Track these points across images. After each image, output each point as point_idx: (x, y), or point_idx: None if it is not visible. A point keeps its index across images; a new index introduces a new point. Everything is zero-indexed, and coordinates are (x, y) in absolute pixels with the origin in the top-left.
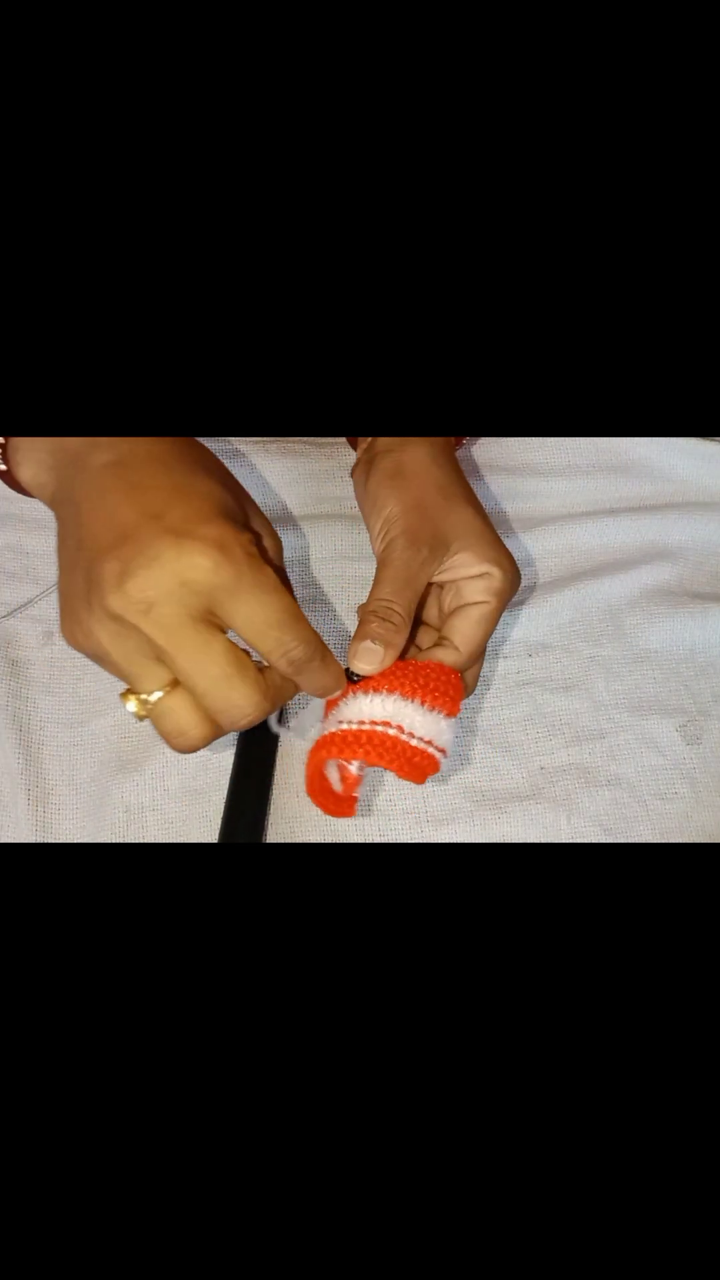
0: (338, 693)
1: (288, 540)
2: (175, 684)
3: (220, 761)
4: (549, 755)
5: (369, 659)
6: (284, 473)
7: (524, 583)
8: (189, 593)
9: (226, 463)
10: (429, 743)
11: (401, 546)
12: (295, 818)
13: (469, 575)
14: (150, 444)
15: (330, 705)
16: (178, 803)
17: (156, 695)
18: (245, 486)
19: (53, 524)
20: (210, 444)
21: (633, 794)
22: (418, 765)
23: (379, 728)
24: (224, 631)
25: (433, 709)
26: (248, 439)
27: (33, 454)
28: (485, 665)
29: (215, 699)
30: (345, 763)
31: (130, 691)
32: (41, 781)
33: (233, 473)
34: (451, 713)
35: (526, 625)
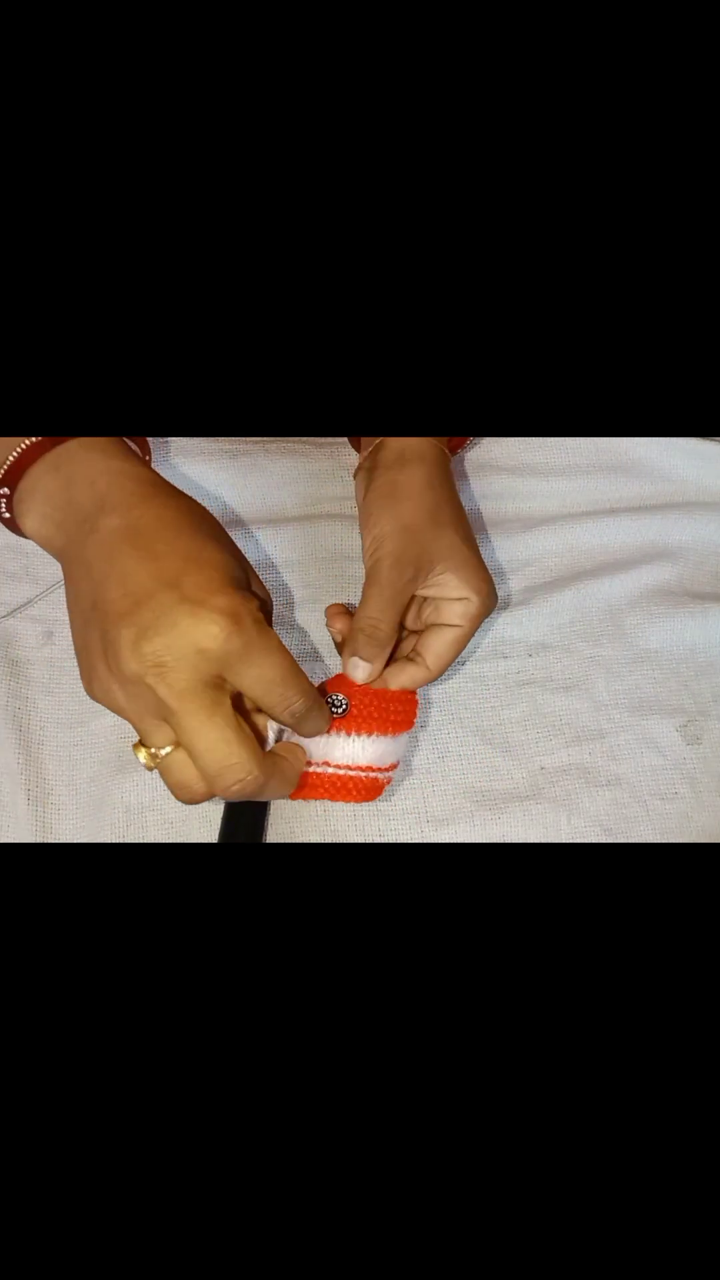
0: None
1: (287, 540)
2: (180, 745)
3: None
4: (549, 755)
5: (360, 673)
6: (284, 473)
7: (524, 583)
8: (202, 659)
9: (227, 462)
10: (393, 766)
11: (388, 567)
12: (295, 818)
13: (450, 597)
14: (159, 509)
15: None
16: (177, 803)
17: (166, 750)
18: (245, 486)
19: None
20: (210, 444)
21: (633, 794)
22: (375, 794)
23: (365, 774)
24: (229, 695)
25: (397, 734)
26: (248, 439)
27: (38, 507)
28: (485, 665)
29: (211, 761)
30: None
31: (141, 744)
32: (41, 781)
33: (232, 472)
34: (410, 729)
35: (526, 625)
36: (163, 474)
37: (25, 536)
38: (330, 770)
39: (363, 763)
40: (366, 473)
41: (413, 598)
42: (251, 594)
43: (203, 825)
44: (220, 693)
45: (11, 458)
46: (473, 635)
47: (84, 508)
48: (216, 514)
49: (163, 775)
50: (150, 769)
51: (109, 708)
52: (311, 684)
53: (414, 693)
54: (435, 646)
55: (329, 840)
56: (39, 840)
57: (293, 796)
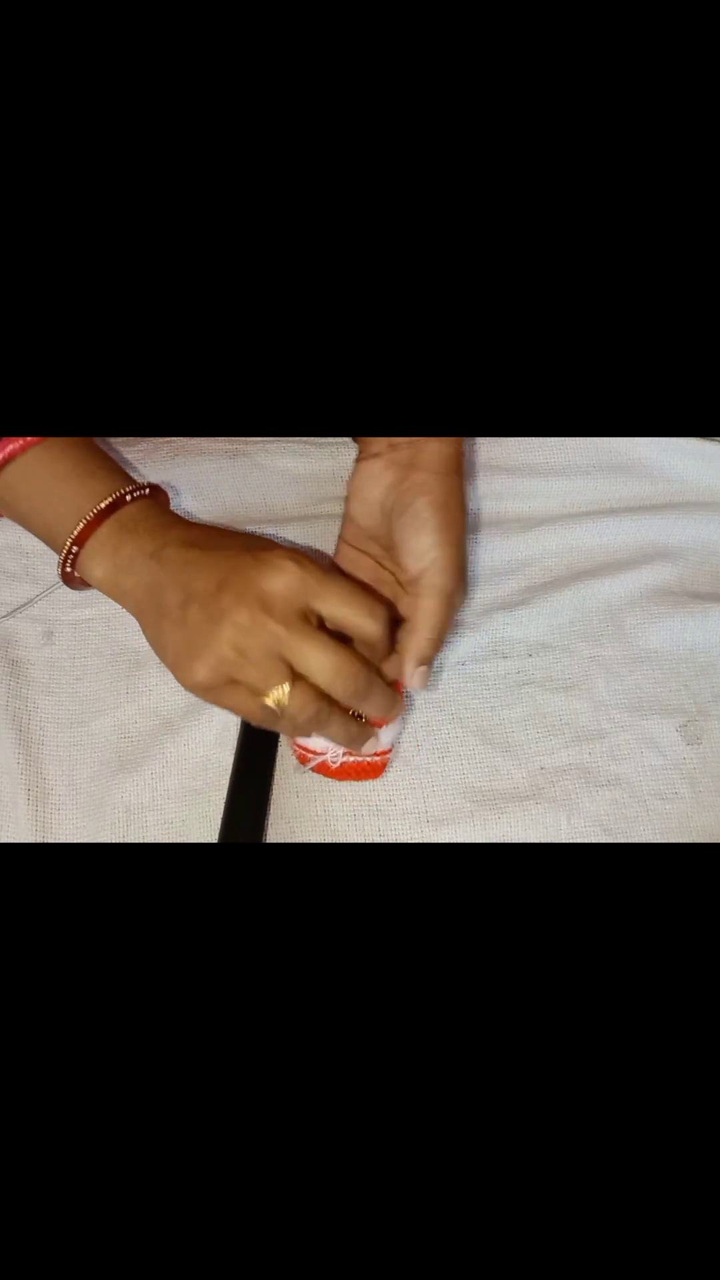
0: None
1: (287, 540)
2: (295, 678)
3: (220, 761)
4: (549, 755)
5: (423, 680)
6: (284, 473)
7: (524, 583)
8: (291, 593)
9: (227, 463)
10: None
11: (453, 590)
12: (295, 818)
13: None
14: (205, 528)
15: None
16: (178, 803)
17: (285, 687)
18: (245, 486)
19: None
20: (211, 444)
21: (633, 794)
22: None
23: (379, 757)
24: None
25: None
26: (248, 439)
27: (107, 557)
28: (485, 665)
29: (326, 668)
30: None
31: (260, 694)
32: (41, 781)
33: (232, 473)
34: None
35: (526, 625)
36: (163, 474)
37: (87, 587)
38: (354, 759)
39: (385, 746)
40: (400, 468)
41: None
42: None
43: (203, 825)
44: (311, 620)
45: (82, 524)
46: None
47: (148, 547)
48: (217, 514)
49: (290, 710)
50: (279, 713)
51: (218, 680)
52: (382, 603)
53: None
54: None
55: (329, 840)
56: (39, 840)
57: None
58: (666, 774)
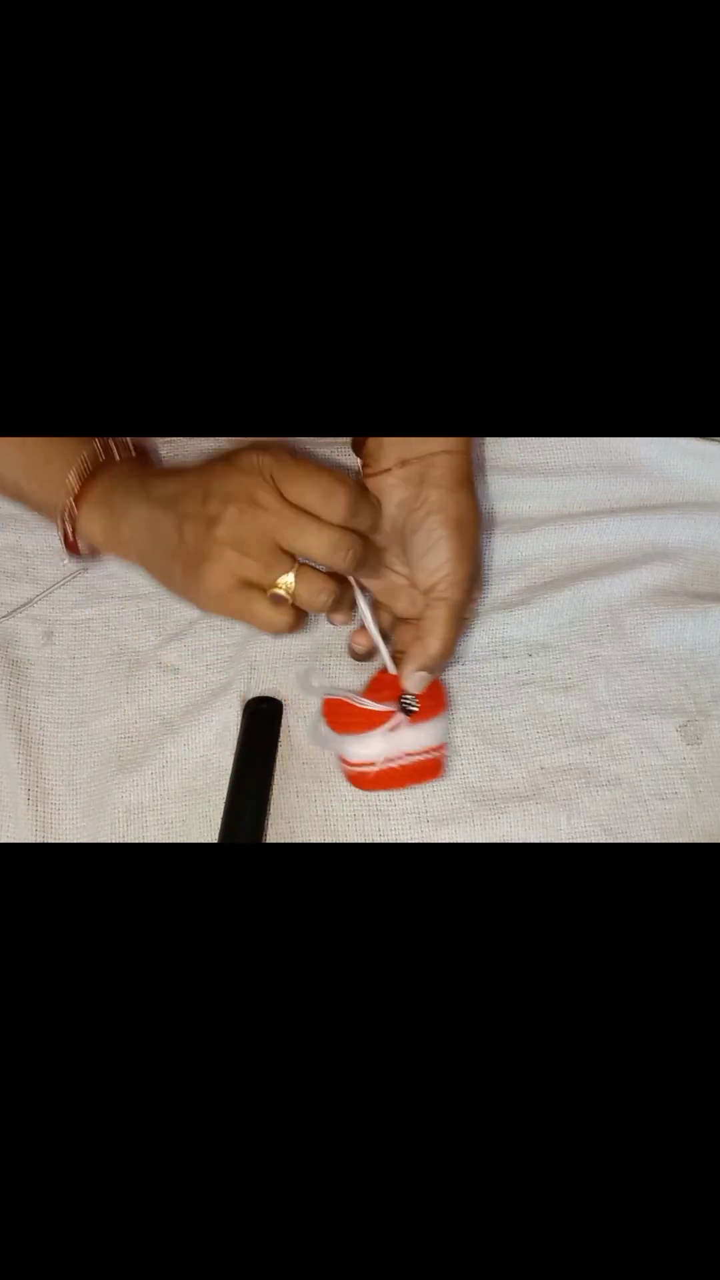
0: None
1: None
2: (299, 567)
3: (220, 761)
4: (549, 755)
5: (422, 685)
6: None
7: (524, 583)
8: (265, 480)
9: None
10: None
11: (462, 603)
12: (295, 818)
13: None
14: (182, 468)
15: (380, 688)
16: (178, 803)
17: (290, 576)
18: None
19: (51, 524)
20: (211, 443)
21: (633, 794)
22: (442, 767)
23: (435, 753)
24: None
25: (443, 713)
26: (248, 439)
27: (99, 513)
28: (485, 665)
29: (324, 542)
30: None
31: (267, 587)
32: (41, 781)
33: None
34: (446, 708)
35: (526, 625)
36: None
37: (91, 557)
38: (409, 759)
39: (433, 744)
40: (411, 484)
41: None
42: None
43: (203, 825)
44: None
45: (77, 484)
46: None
47: (136, 491)
48: None
49: (301, 595)
50: (288, 602)
51: (227, 585)
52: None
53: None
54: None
55: (329, 840)
56: (39, 840)
57: (372, 787)
58: (666, 774)
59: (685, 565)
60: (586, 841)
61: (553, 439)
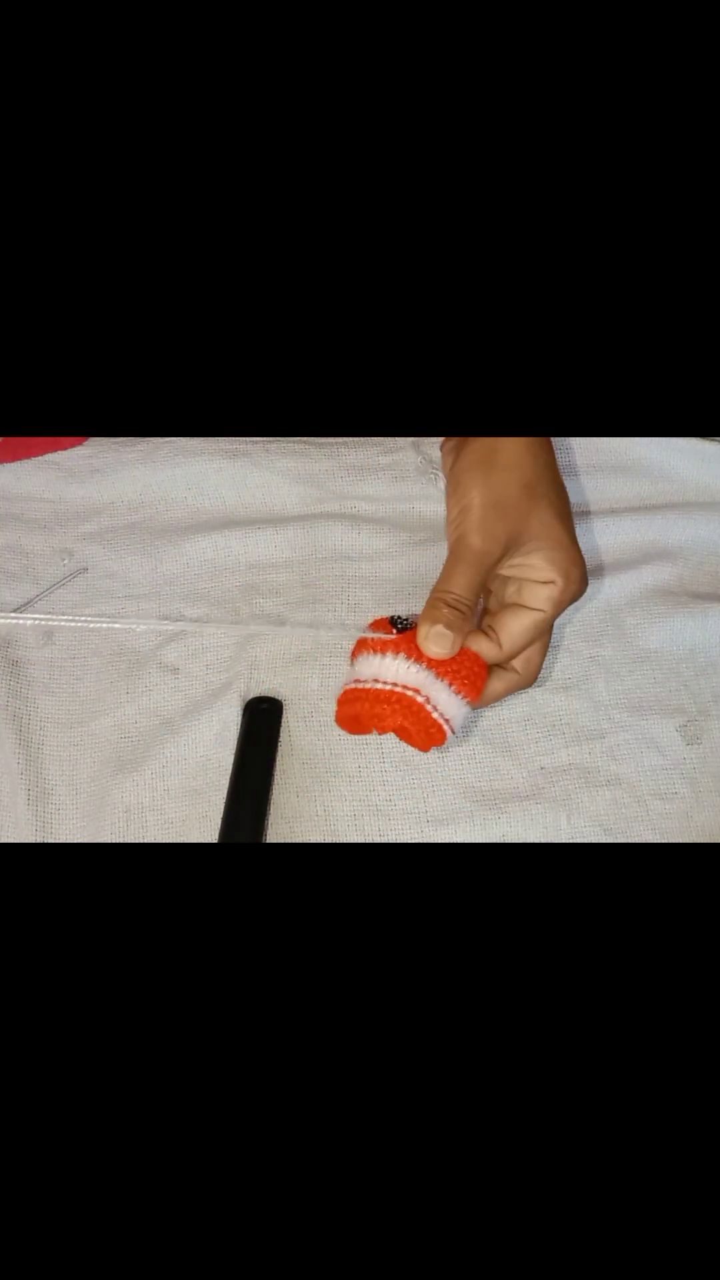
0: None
1: (287, 540)
2: None
3: (220, 761)
4: (549, 755)
5: (442, 644)
6: (284, 473)
7: None
8: None
9: (227, 463)
10: (447, 720)
11: (477, 542)
12: (295, 818)
13: (535, 579)
14: None
15: (361, 648)
16: (178, 803)
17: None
18: (246, 486)
19: (52, 525)
20: (210, 444)
21: (633, 794)
22: (430, 735)
23: (409, 692)
24: None
25: (458, 693)
26: (248, 439)
27: None
28: None
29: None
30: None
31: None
32: (41, 781)
33: (232, 473)
34: (473, 700)
35: None
36: (163, 474)
37: None
38: (377, 686)
39: (412, 683)
40: (459, 442)
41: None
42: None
43: (203, 825)
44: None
45: None
46: (554, 621)
47: None
48: (217, 514)
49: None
50: None
51: None
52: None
53: (484, 664)
54: (511, 626)
55: (329, 840)
56: (39, 840)
57: (356, 711)
58: (666, 774)
59: (685, 565)
60: (586, 841)
61: (553, 439)
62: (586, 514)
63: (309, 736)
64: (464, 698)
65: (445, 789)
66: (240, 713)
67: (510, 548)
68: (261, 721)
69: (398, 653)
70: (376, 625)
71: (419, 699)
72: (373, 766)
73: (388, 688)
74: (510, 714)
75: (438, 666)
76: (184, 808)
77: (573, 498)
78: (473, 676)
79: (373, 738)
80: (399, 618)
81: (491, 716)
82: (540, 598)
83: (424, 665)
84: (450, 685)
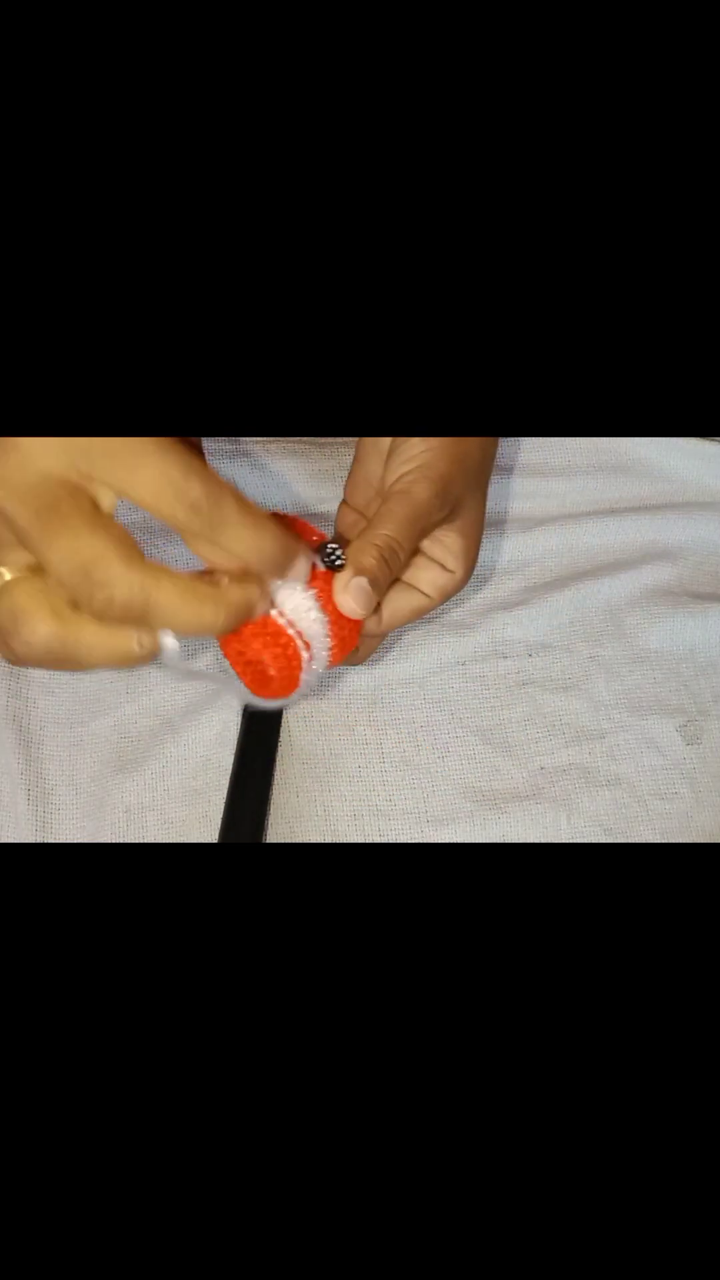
0: (299, 568)
1: None
2: (35, 569)
3: (220, 761)
4: (549, 755)
5: (361, 601)
6: (284, 473)
7: (524, 583)
8: (42, 451)
9: (227, 463)
10: (305, 680)
11: (429, 491)
12: (295, 818)
13: (438, 560)
14: None
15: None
16: (178, 803)
17: (3, 579)
18: (245, 486)
19: None
20: (212, 443)
21: (633, 794)
22: (280, 689)
23: (298, 641)
24: (97, 507)
25: (328, 655)
26: (248, 439)
27: None
28: (485, 665)
29: (60, 562)
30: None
31: None
32: (41, 781)
33: (232, 473)
34: (330, 665)
35: (526, 625)
36: None
37: None
38: (279, 620)
39: (307, 635)
40: None
41: None
42: None
43: (203, 825)
44: (74, 490)
45: None
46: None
47: None
48: None
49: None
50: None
51: None
52: (211, 470)
53: (358, 636)
54: (397, 603)
55: (329, 840)
56: (39, 840)
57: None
58: (666, 774)
59: (685, 565)
60: (586, 841)
61: (553, 439)
62: (587, 514)
63: (309, 736)
64: (328, 661)
65: (445, 789)
66: (240, 713)
67: (449, 515)
68: (261, 721)
69: (314, 597)
70: (306, 535)
71: (304, 655)
72: (373, 766)
73: (283, 624)
74: (510, 714)
75: (334, 621)
76: (184, 808)
77: (573, 498)
78: (346, 644)
79: (373, 738)
80: (332, 550)
81: (491, 716)
82: (434, 583)
83: (327, 616)
84: (330, 645)
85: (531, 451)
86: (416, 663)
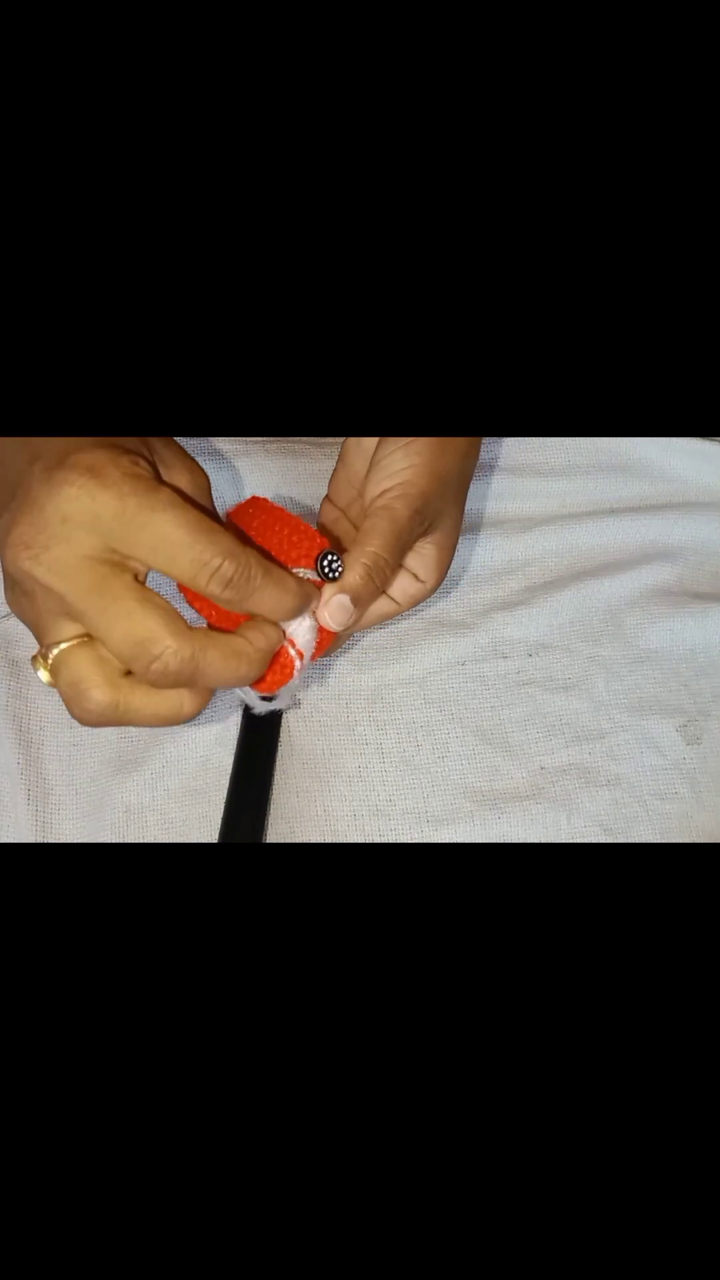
0: (309, 612)
1: None
2: (86, 638)
3: (220, 761)
4: (549, 755)
5: (340, 617)
6: (284, 473)
7: (524, 583)
8: (75, 529)
9: (226, 463)
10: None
11: (409, 509)
12: (295, 818)
13: (411, 569)
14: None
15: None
16: (178, 803)
17: (60, 648)
18: (245, 486)
19: None
20: (210, 444)
21: (633, 794)
22: (264, 685)
23: (291, 651)
24: (131, 573)
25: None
26: (248, 439)
27: None
28: (485, 665)
29: (120, 641)
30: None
31: (39, 654)
32: (41, 781)
33: (233, 472)
34: (313, 658)
35: (526, 625)
36: None
37: None
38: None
39: (300, 645)
40: None
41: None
42: (139, 454)
43: (203, 825)
44: (116, 568)
45: None
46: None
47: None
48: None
49: (57, 681)
50: (49, 683)
51: (24, 623)
52: (239, 544)
53: (329, 642)
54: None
55: (329, 840)
56: (39, 840)
57: (262, 687)
58: (666, 774)
59: (685, 565)
60: (586, 841)
61: (553, 439)
62: (587, 514)
63: (309, 737)
64: (311, 659)
65: (445, 789)
66: (240, 713)
67: (427, 529)
68: (261, 721)
69: (310, 610)
70: (310, 540)
71: (297, 663)
72: (373, 766)
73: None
74: (510, 714)
75: (321, 633)
76: (184, 808)
77: (573, 497)
78: (324, 644)
79: (373, 738)
80: (331, 559)
81: (491, 716)
82: (404, 591)
83: (316, 622)
84: (314, 644)
85: (532, 451)
86: (416, 663)
